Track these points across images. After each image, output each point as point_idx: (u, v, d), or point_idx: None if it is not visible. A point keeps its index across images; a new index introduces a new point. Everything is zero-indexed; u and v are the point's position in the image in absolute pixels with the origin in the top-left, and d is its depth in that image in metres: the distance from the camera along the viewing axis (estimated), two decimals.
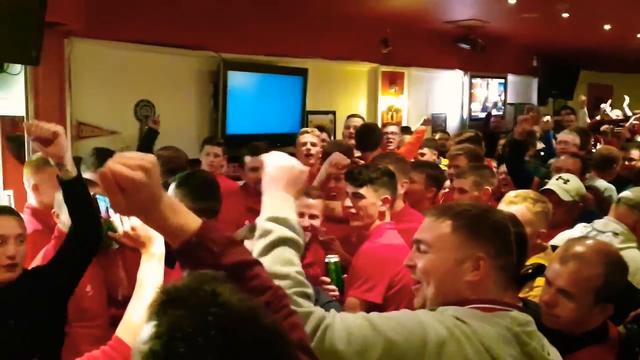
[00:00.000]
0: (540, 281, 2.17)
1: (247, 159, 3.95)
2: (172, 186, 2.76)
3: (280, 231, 1.36)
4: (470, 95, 9.55)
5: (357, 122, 5.56)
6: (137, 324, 1.67)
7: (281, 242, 1.35)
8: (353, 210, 2.83)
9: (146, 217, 1.10)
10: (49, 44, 3.97)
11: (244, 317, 0.84)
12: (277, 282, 1.25)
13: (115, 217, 1.88)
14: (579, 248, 1.90)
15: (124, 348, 1.65)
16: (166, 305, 0.83)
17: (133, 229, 1.81)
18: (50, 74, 4.29)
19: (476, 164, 4.00)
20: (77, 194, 2.28)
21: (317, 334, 1.25)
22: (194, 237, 1.09)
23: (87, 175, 3.18)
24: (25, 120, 4.20)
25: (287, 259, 1.34)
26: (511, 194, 2.78)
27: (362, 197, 2.79)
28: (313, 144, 4.36)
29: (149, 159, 1.06)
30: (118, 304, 2.87)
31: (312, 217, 2.91)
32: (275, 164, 1.48)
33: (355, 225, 2.87)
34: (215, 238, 1.11)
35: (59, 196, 2.66)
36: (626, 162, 5.06)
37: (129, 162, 1.03)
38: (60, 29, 4.30)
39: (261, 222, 1.39)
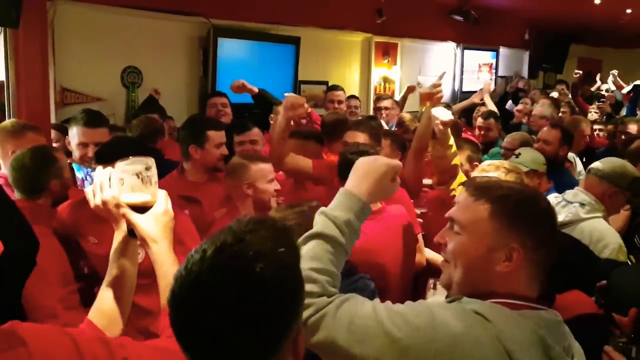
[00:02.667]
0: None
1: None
2: None
3: (322, 225, 1.38)
4: (462, 66, 9.44)
5: (341, 95, 5.19)
6: (110, 309, 1.56)
7: (317, 236, 1.37)
8: None
9: None
10: (31, 6, 3.85)
11: None
12: None
13: (87, 190, 1.65)
14: None
15: (97, 332, 1.55)
16: None
17: (104, 203, 1.58)
18: (32, 37, 4.13)
19: (468, 139, 4.07)
20: None
21: (306, 327, 1.25)
22: None
23: (75, 130, 3.07)
24: (5, 84, 4.06)
25: (314, 253, 1.34)
26: (485, 163, 2.84)
27: None
28: None
29: None
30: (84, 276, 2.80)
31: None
32: (362, 159, 1.50)
33: None
34: None
35: None
36: (622, 137, 5.09)
37: None
38: None
39: (316, 213, 1.43)
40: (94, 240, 2.60)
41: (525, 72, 11.23)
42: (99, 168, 1.73)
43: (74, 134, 3.06)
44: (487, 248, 1.34)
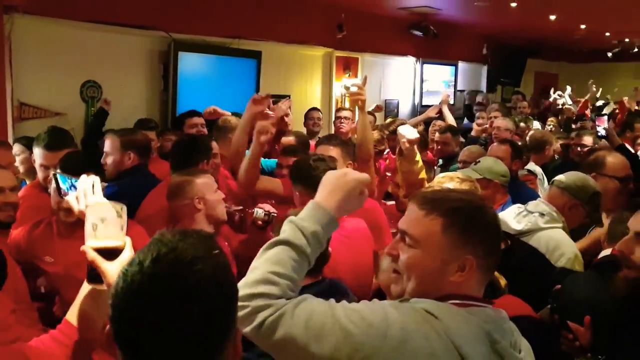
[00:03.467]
0: None
1: None
2: None
3: (289, 233, 1.41)
4: (422, 81, 9.60)
5: (319, 114, 5.66)
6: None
7: (284, 243, 1.39)
8: None
9: None
10: None
11: None
12: (249, 274, 1.34)
13: (71, 197, 1.73)
14: None
15: (74, 332, 1.58)
16: None
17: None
18: None
19: None
20: None
21: (263, 326, 1.27)
22: None
23: (37, 150, 3.06)
24: None
25: (278, 259, 1.37)
26: (439, 175, 2.91)
27: None
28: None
29: None
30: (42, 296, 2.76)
31: None
32: (332, 173, 1.53)
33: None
34: None
35: None
36: (578, 149, 5.22)
37: None
38: None
39: (286, 220, 1.45)
40: (49, 260, 2.59)
41: (483, 86, 11.46)
42: (83, 176, 1.76)
43: (36, 155, 3.07)
44: (441, 261, 1.38)
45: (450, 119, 6.30)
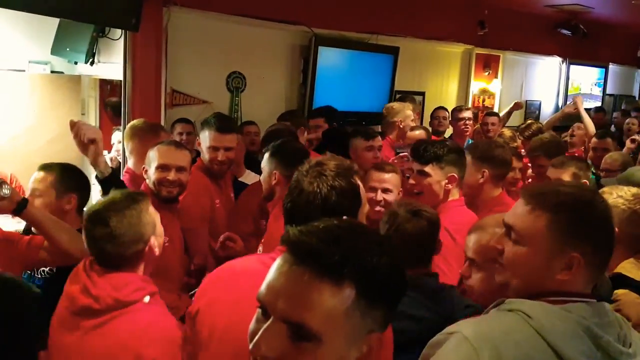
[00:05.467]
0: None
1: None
2: (266, 155, 2.76)
3: None
4: (568, 82, 9.07)
5: (445, 113, 5.68)
6: None
7: None
8: (416, 190, 2.79)
9: None
10: (148, 12, 4.09)
11: None
12: None
13: None
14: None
15: None
16: None
17: None
18: (148, 41, 4.41)
19: (574, 156, 3.93)
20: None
21: None
22: None
23: (206, 133, 3.22)
24: (122, 85, 4.36)
25: None
26: (605, 189, 2.65)
27: (427, 175, 2.74)
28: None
29: None
30: (191, 273, 2.91)
31: (385, 191, 2.91)
32: None
33: None
34: None
35: (149, 153, 2.73)
36: None
37: None
38: None
39: None
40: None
41: (636, 91, 10.66)
42: None
43: (206, 137, 3.22)
44: (546, 259, 1.34)
45: (589, 122, 5.81)
